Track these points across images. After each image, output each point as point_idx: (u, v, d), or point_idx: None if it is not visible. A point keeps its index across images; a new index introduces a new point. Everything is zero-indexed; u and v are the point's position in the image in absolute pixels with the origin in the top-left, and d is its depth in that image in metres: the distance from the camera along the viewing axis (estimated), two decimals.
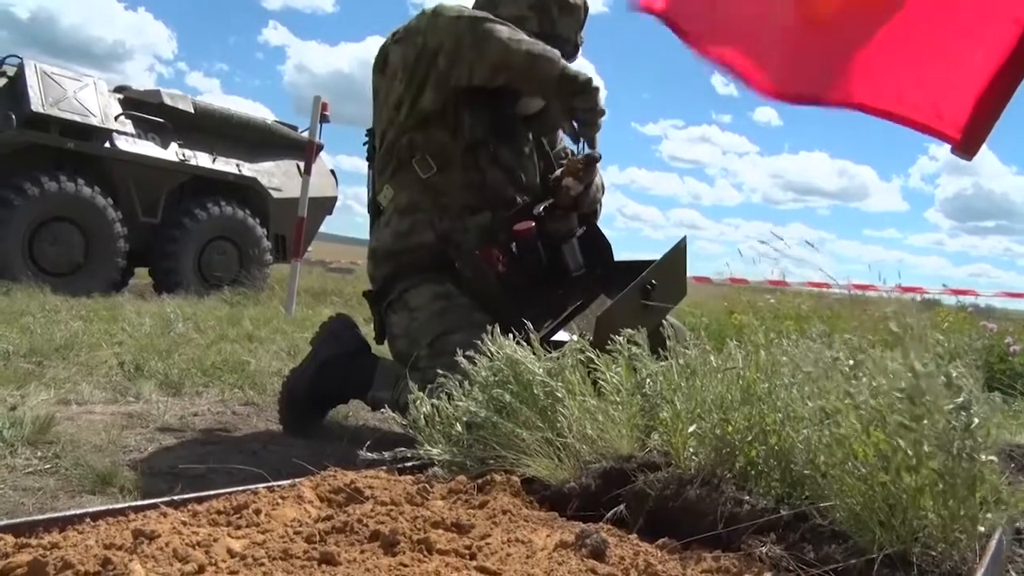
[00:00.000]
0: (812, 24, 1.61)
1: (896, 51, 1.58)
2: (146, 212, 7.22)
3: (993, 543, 1.06)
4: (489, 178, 2.17)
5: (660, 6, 1.81)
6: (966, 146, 1.50)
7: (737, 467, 1.19)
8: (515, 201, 2.19)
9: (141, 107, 7.15)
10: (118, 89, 7.37)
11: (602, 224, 2.33)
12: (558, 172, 2.24)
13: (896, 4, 1.56)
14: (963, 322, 5.61)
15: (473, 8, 2.29)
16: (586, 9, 2.30)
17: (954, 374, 1.00)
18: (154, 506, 1.12)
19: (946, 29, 1.59)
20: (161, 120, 7.17)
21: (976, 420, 0.99)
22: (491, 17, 2.06)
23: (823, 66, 1.62)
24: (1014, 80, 1.53)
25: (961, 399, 0.99)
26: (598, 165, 2.21)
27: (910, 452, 1.01)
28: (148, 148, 7.09)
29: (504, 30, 2.03)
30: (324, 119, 6.24)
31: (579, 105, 2.06)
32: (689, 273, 2.21)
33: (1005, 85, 1.52)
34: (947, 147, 1.59)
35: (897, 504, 1.02)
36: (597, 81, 2.07)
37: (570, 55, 2.26)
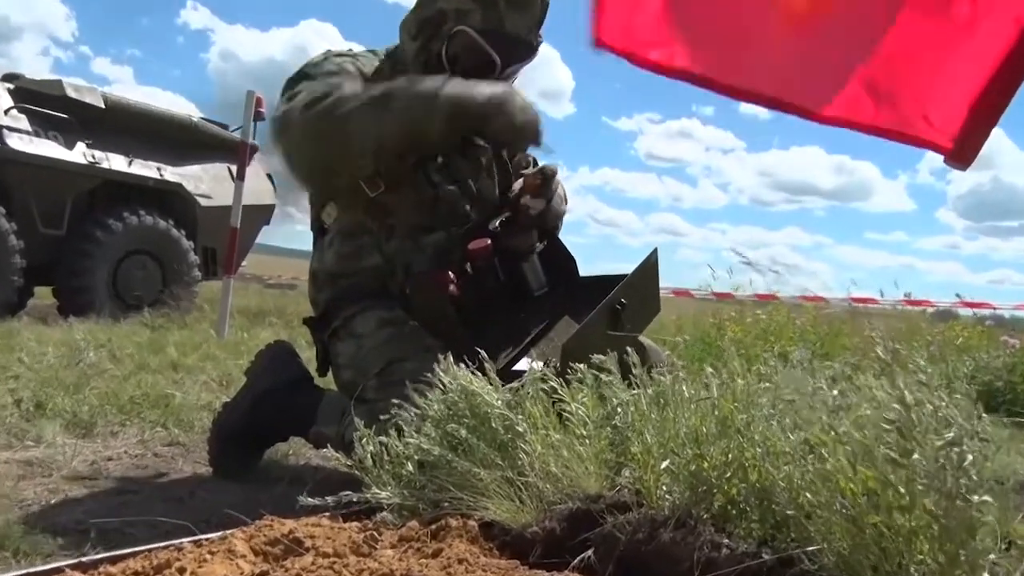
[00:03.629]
0: (790, 24, 1.68)
1: (884, 63, 1.65)
2: (47, 222, 7.07)
3: None
4: (442, 193, 2.19)
5: (621, 45, 1.83)
6: (960, 155, 1.57)
7: (715, 507, 1.23)
8: (469, 218, 2.22)
9: (38, 100, 6.98)
10: (7, 78, 7.22)
11: (573, 231, 2.37)
12: (516, 188, 2.28)
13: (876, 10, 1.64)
14: (980, 336, 5.70)
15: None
16: (544, 6, 2.23)
17: (939, 404, 1.04)
18: (58, 571, 1.12)
19: (936, 36, 1.66)
20: (64, 116, 7.07)
21: (970, 456, 1.03)
22: (337, 99, 1.98)
23: (807, 75, 1.68)
24: (1013, 83, 1.60)
25: (951, 434, 1.03)
26: (558, 176, 2.26)
27: (902, 490, 1.06)
28: (48, 148, 6.93)
29: (357, 110, 1.96)
30: (259, 116, 6.22)
31: (493, 130, 2.06)
32: (670, 285, 2.25)
33: (1003, 89, 1.59)
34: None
35: (890, 547, 1.07)
36: (497, 88, 2.02)
37: (524, 57, 2.23)
